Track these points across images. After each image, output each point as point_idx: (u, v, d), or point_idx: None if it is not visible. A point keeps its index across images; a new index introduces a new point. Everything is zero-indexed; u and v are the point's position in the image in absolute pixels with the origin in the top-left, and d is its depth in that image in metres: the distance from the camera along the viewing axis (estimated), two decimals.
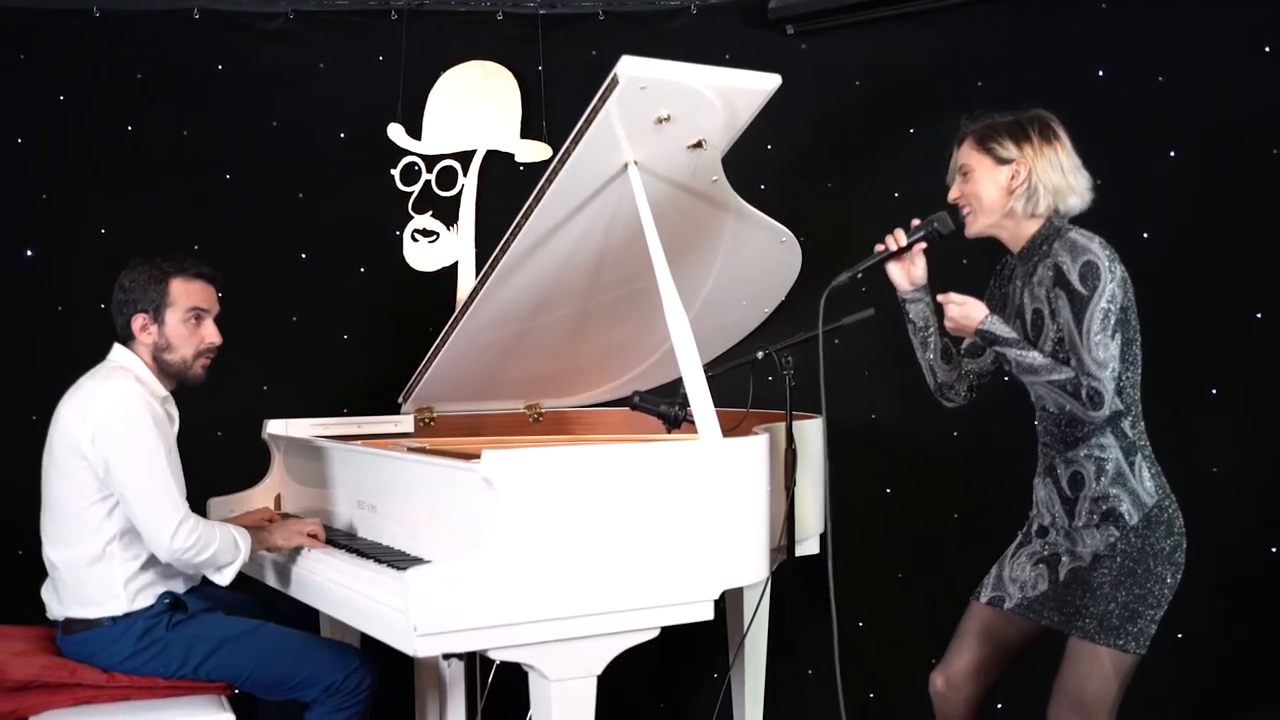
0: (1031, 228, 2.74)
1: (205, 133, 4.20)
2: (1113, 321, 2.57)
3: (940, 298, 2.68)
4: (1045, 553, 2.78)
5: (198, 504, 3.54)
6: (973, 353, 2.96)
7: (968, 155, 2.78)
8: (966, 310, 2.68)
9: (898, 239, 2.83)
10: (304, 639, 2.96)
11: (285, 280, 4.25)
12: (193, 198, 4.17)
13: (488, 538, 2.50)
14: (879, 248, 2.86)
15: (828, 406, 3.71)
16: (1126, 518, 2.63)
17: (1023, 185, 2.70)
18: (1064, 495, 2.74)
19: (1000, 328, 2.66)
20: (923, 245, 2.83)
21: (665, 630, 2.68)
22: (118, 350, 3.01)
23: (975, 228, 2.78)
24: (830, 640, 2.82)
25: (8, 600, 3.33)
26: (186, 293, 3.00)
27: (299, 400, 4.09)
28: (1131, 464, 2.67)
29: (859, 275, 2.84)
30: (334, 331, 4.29)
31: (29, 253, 4.09)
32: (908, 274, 2.86)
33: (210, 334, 3.04)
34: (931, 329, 2.89)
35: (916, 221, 2.83)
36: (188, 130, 4.19)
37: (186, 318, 2.99)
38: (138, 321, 2.97)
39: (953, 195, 2.81)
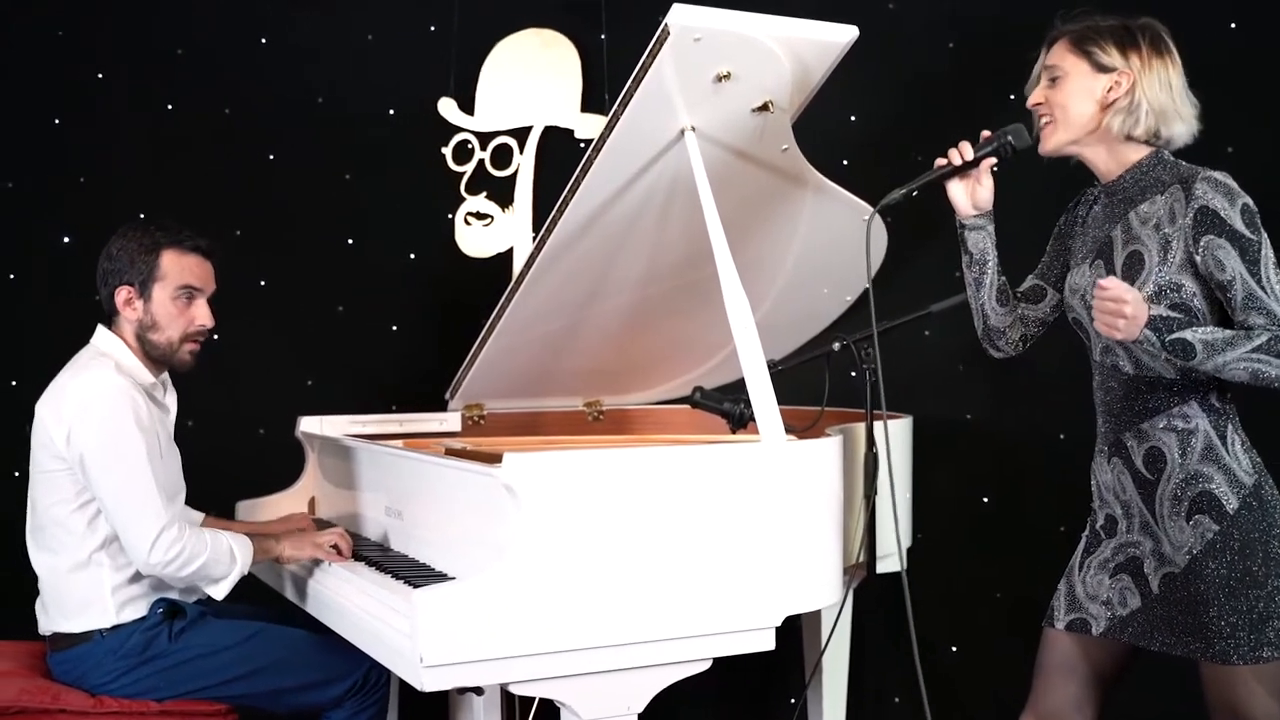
0: (1133, 154, 2.36)
1: (247, 111, 4.00)
2: None
3: (1103, 284, 2.16)
4: (1121, 559, 2.39)
5: (226, 506, 3.34)
6: (1031, 297, 2.60)
7: (1060, 57, 2.40)
8: (1140, 299, 2.17)
9: (963, 152, 2.48)
10: (315, 638, 2.71)
11: (330, 267, 4.03)
12: (234, 179, 3.98)
13: (509, 553, 2.18)
14: (940, 161, 2.50)
15: (917, 404, 3.43)
16: (1224, 503, 2.24)
17: (1123, 100, 2.32)
18: (1140, 477, 2.34)
19: (1165, 310, 2.23)
20: (992, 162, 2.48)
21: None
22: (100, 334, 2.75)
23: (1052, 142, 2.41)
24: (917, 665, 2.49)
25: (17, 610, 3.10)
26: (179, 267, 2.72)
27: (344, 396, 3.92)
28: (1223, 436, 2.28)
29: (914, 192, 2.49)
30: (382, 322, 4.06)
31: (66, 239, 3.91)
32: (972, 195, 2.50)
33: (202, 316, 2.75)
34: (989, 264, 2.53)
35: (986, 133, 2.48)
36: (229, 108, 4.00)
37: (176, 295, 2.71)
38: (122, 295, 2.70)
39: (1033, 100, 2.44)
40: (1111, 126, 2.34)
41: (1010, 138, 2.45)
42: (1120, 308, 2.14)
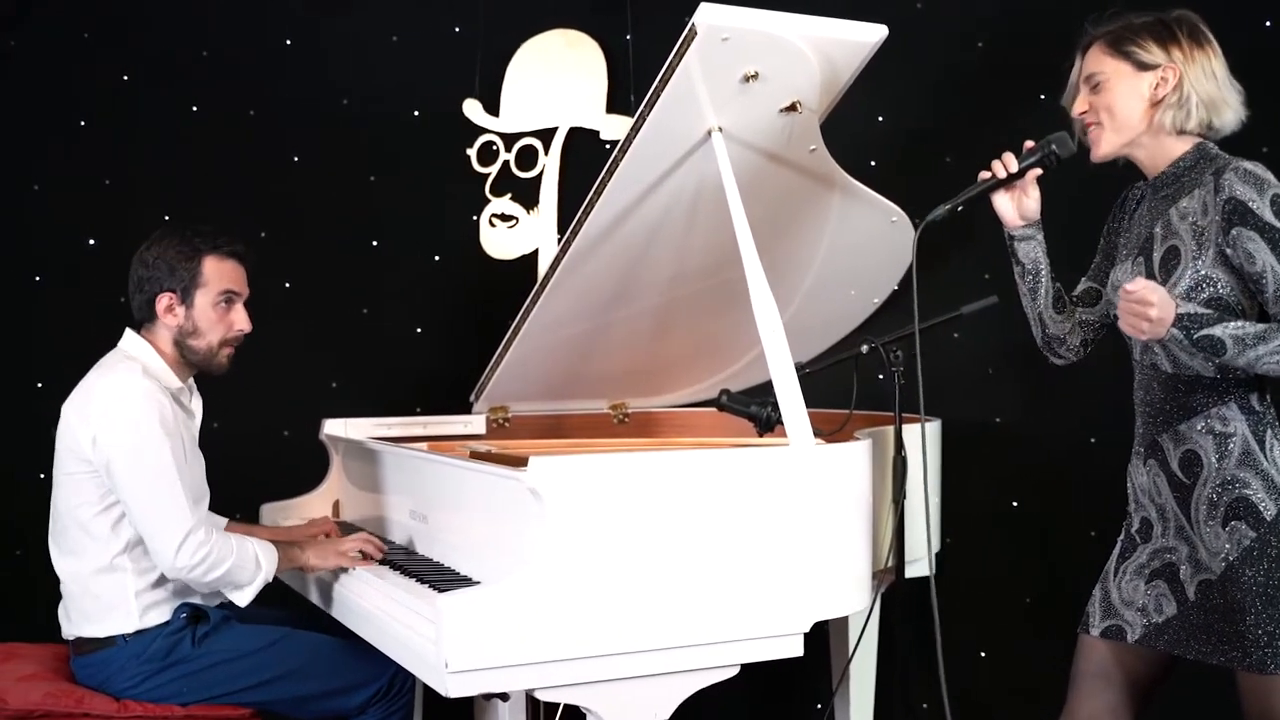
0: (1176, 148, 2.33)
1: (271, 113, 3.99)
2: None
3: (1128, 288, 2.13)
4: (1157, 564, 2.35)
5: (251, 509, 3.33)
6: (1087, 300, 2.56)
7: (1098, 62, 2.36)
8: (1165, 300, 2.13)
9: (1007, 164, 2.45)
10: (340, 643, 2.69)
11: (354, 270, 4.01)
12: (258, 181, 3.97)
13: (534, 558, 2.17)
14: (985, 175, 2.48)
15: (945, 407, 3.39)
16: (1261, 510, 2.19)
17: (1172, 95, 2.29)
18: (1175, 481, 2.30)
19: (1195, 307, 2.20)
20: (1037, 173, 2.45)
21: None
22: (128, 337, 2.74)
23: (1105, 148, 2.37)
24: (946, 672, 2.46)
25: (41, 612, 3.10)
26: (220, 273, 2.72)
27: (369, 398, 3.87)
28: (1262, 441, 2.23)
29: (960, 207, 2.47)
30: (406, 324, 4.05)
31: (91, 241, 3.91)
32: (1018, 206, 2.47)
33: (240, 320, 2.75)
34: (1043, 273, 2.50)
35: (1030, 144, 2.46)
36: (253, 110, 3.99)
37: (217, 301, 2.71)
38: (163, 301, 2.70)
39: (1078, 109, 2.41)
40: (1164, 123, 2.30)
41: (1055, 147, 2.42)
42: (1145, 310, 2.11)
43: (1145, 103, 2.31)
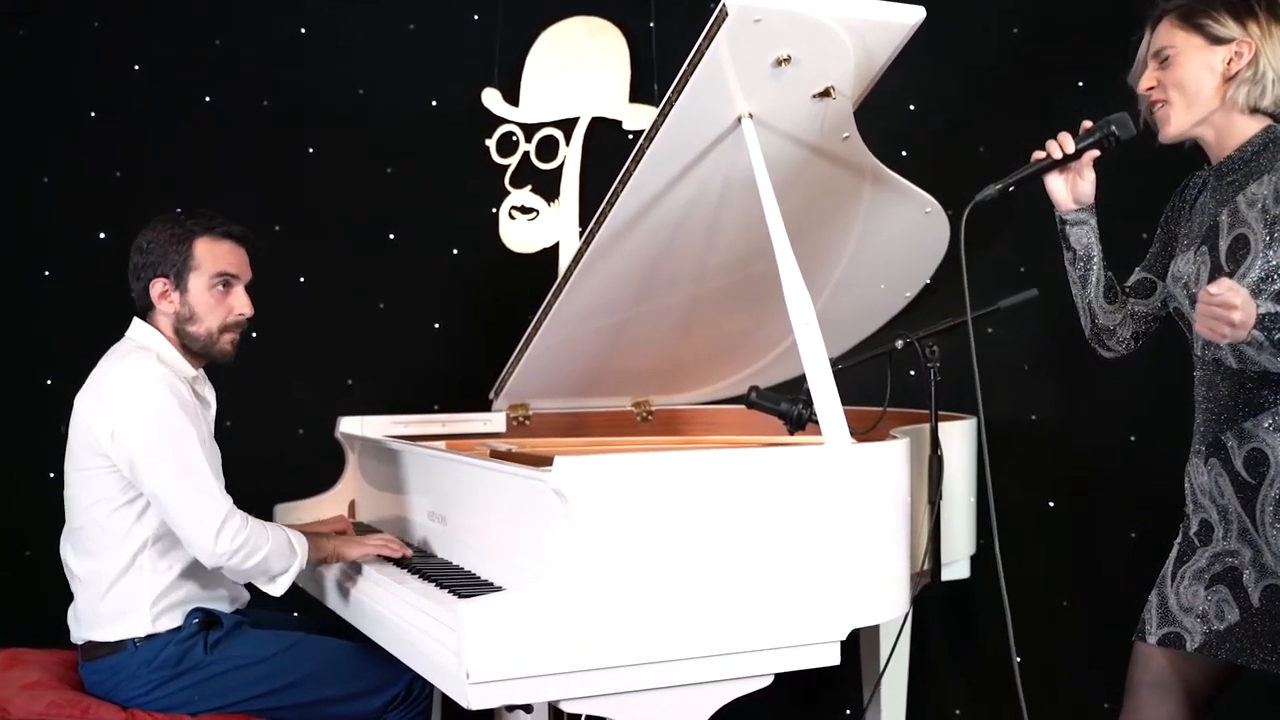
0: (1246, 129, 2.23)
1: (287, 103, 3.92)
2: None
3: (1210, 290, 1.97)
4: (1218, 569, 2.25)
5: (264, 509, 3.25)
6: (1141, 292, 2.45)
7: (1169, 36, 2.26)
8: (1249, 301, 1.98)
9: (1063, 144, 2.36)
10: (356, 648, 2.61)
11: (371, 263, 3.95)
12: (273, 173, 3.90)
13: (559, 562, 2.08)
14: (1039, 155, 2.39)
15: (980, 404, 3.30)
16: None
17: (1246, 71, 2.19)
18: (1239, 480, 2.20)
19: (1276, 305, 2.09)
20: (1094, 154, 2.35)
21: None
22: (136, 326, 2.66)
23: (1176, 127, 2.27)
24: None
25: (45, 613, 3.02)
26: (213, 255, 2.63)
27: (386, 395, 3.83)
28: None
29: (1011, 188, 2.37)
30: (424, 320, 3.98)
31: (102, 235, 3.84)
32: (1072, 189, 2.38)
33: (240, 304, 2.66)
34: (1094, 260, 2.41)
35: (1088, 124, 2.36)
36: (268, 100, 3.92)
37: (213, 284, 2.62)
38: (157, 287, 2.62)
39: (1144, 85, 2.31)
40: (1236, 99, 2.21)
41: (1114, 128, 2.32)
42: (1228, 314, 1.98)
43: (1218, 78, 2.21)
